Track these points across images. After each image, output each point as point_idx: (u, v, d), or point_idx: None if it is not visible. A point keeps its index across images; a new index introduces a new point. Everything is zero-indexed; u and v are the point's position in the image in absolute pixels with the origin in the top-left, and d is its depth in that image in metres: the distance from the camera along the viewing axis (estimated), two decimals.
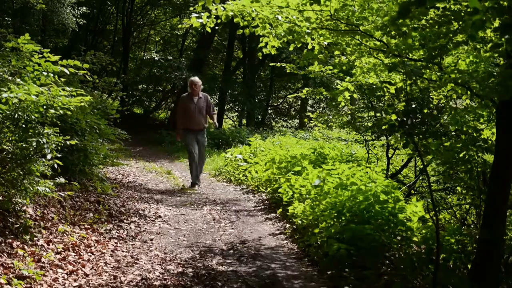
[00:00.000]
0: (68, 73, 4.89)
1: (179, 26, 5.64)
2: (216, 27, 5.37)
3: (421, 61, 4.40)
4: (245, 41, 20.53)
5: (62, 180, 5.16)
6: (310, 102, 23.80)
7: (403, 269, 4.52)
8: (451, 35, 3.97)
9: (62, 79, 5.16)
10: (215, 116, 9.47)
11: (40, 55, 5.09)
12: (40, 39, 13.84)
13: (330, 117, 8.98)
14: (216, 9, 5.12)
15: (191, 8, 5.35)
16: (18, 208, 4.72)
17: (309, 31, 5.04)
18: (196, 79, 9.13)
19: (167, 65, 19.24)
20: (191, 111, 8.95)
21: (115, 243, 5.30)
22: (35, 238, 4.56)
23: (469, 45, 4.59)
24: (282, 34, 5.31)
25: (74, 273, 4.19)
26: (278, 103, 25.54)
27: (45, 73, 4.89)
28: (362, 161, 8.87)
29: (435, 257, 4.06)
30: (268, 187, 8.44)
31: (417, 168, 8.07)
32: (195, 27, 5.32)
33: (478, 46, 4.37)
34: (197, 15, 5.22)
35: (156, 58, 19.69)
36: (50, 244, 4.63)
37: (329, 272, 4.62)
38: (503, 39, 2.72)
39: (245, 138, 14.71)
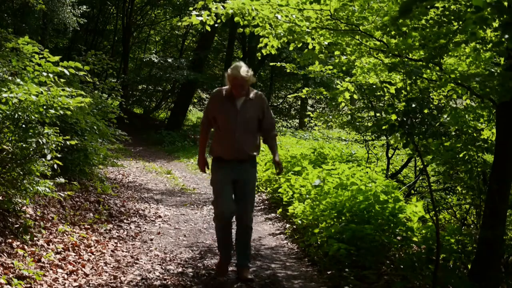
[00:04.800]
0: (68, 74, 4.89)
1: (179, 23, 5.61)
2: (216, 25, 5.33)
3: (421, 61, 4.40)
4: (245, 40, 20.53)
5: (62, 180, 5.16)
6: (310, 102, 23.83)
7: (403, 269, 4.51)
8: (451, 35, 3.98)
9: (62, 80, 5.16)
10: (276, 139, 4.56)
11: (41, 56, 5.09)
12: (40, 39, 13.85)
13: (330, 117, 8.97)
14: (216, 8, 5.12)
15: (191, 8, 5.34)
16: (18, 208, 4.72)
17: (309, 30, 5.03)
18: (242, 67, 4.27)
19: (166, 65, 19.27)
20: (229, 125, 4.33)
21: (115, 243, 5.30)
22: (35, 238, 4.56)
23: (469, 46, 4.59)
24: (282, 34, 5.30)
25: (74, 273, 4.19)
26: (278, 103, 25.55)
27: (45, 74, 4.89)
28: (362, 161, 8.87)
29: (435, 257, 4.05)
30: (268, 187, 8.44)
31: (417, 168, 8.07)
32: (195, 26, 5.32)
33: (478, 47, 4.37)
34: (197, 13, 5.21)
35: (156, 60, 19.71)
36: (50, 244, 4.63)
37: (329, 272, 4.61)
38: (503, 39, 2.73)
39: None
